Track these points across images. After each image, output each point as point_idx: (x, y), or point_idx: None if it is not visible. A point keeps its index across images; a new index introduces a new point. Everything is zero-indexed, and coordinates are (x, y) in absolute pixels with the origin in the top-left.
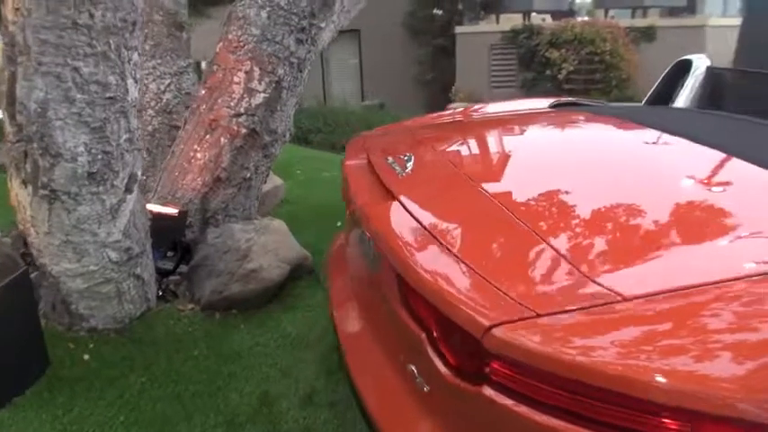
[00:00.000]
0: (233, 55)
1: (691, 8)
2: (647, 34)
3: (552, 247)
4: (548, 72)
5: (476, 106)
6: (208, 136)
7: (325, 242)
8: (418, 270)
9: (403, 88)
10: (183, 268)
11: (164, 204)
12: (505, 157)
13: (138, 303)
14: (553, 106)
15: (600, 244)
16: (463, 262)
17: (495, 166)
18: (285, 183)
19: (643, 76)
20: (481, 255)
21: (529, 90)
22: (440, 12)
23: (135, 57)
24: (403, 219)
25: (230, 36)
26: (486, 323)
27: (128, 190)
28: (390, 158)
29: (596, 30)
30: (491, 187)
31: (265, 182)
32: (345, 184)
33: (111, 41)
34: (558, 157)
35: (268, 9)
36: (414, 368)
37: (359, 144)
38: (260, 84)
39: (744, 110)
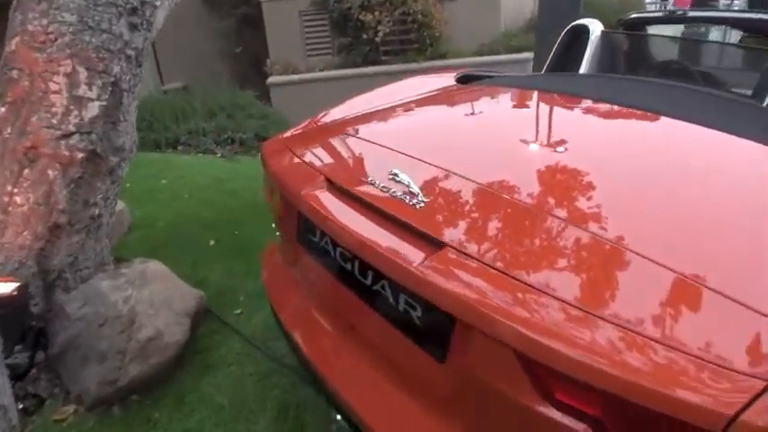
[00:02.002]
0: (40, 54)
1: None
2: None
3: (707, 286)
4: (364, 36)
5: (377, 92)
6: (27, 171)
7: (205, 270)
8: (568, 352)
9: (208, 66)
10: (40, 356)
11: None
12: (519, 162)
13: None
14: (462, 81)
15: (740, 266)
16: (627, 329)
17: (517, 175)
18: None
19: (453, 33)
20: (637, 312)
21: (347, 55)
22: None
23: None
24: (498, 283)
25: (31, 27)
26: (728, 411)
27: None
28: (376, 180)
29: None
30: (554, 207)
31: (114, 213)
32: (322, 223)
33: None
34: (589, 153)
35: None
36: None
37: (285, 157)
38: (90, 89)
39: (644, 71)
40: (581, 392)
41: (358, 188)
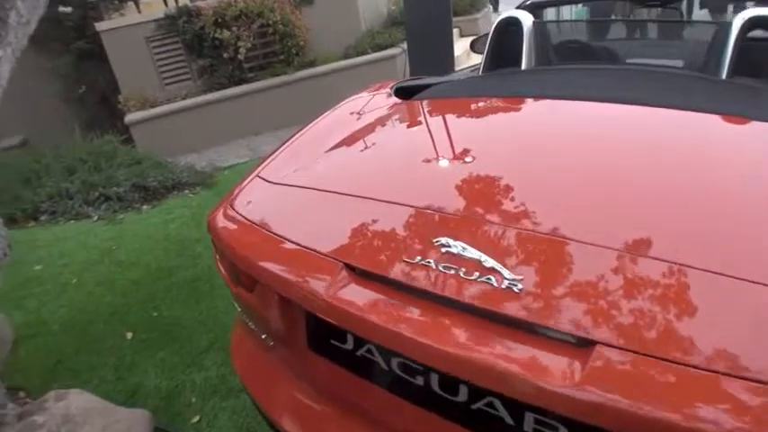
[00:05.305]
0: None
1: None
2: None
3: None
4: (225, 55)
5: (316, 128)
6: None
7: (134, 374)
8: None
9: (47, 114)
10: None
11: None
12: (596, 197)
13: None
14: (402, 94)
15: None
16: None
17: (614, 216)
18: None
19: (317, 39)
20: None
21: (210, 78)
22: (67, 9)
23: None
24: (679, 378)
25: None
26: None
27: None
28: (424, 259)
29: (261, 1)
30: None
31: None
32: (371, 333)
33: None
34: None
35: None
36: None
37: (257, 237)
38: None
39: (589, 57)
40: None
41: (404, 274)
